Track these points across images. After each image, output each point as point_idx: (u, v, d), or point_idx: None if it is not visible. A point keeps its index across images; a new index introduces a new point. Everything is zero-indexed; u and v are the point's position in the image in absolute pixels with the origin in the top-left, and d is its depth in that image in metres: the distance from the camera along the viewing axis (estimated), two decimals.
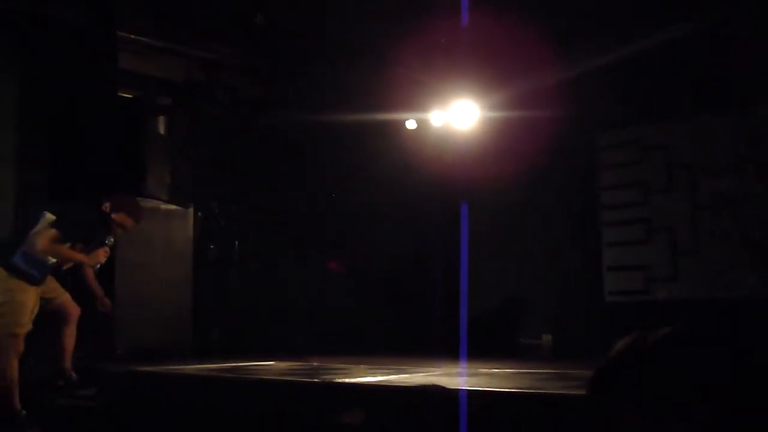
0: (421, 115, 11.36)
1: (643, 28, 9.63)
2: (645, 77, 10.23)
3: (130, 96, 10.73)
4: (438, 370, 8.09)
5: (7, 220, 8.72)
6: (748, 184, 10.08)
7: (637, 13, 9.57)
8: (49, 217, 6.92)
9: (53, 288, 7.23)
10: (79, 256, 7.04)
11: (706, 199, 10.41)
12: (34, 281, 6.92)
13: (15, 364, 6.82)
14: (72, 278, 7.52)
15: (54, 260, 6.98)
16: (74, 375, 7.31)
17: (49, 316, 7.19)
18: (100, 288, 7.54)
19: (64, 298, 7.30)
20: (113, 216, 7.16)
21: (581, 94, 10.41)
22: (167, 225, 10.18)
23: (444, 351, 9.70)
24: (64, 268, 7.24)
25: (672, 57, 9.92)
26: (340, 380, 6.70)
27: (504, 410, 5.57)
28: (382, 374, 7.46)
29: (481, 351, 10.19)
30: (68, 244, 6.95)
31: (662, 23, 9.47)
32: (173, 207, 10.37)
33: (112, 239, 7.22)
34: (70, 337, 7.28)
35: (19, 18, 9.43)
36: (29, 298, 6.91)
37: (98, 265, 7.20)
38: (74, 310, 7.31)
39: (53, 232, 6.81)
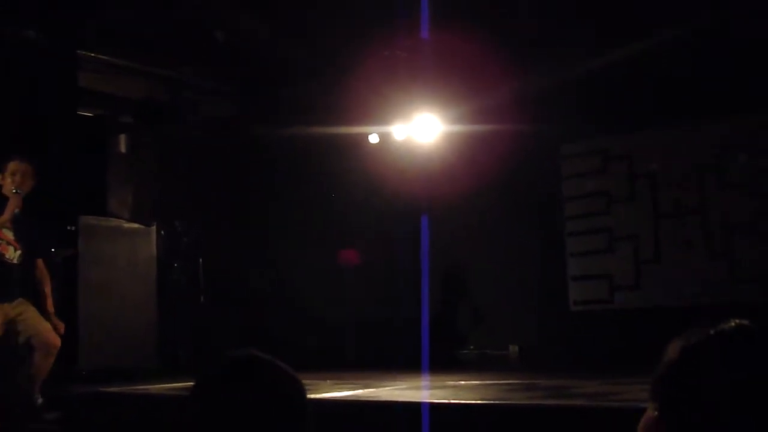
0: (384, 129, 11.37)
1: (604, 42, 9.71)
2: (606, 89, 10.30)
3: (90, 115, 10.67)
4: (404, 384, 8.09)
5: None
6: (710, 193, 10.19)
7: (599, 27, 9.64)
8: None
9: (31, 316, 7.10)
10: None
11: (668, 208, 10.50)
12: None
13: None
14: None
15: None
16: (40, 399, 7.20)
17: (24, 344, 7.07)
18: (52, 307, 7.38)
19: (42, 327, 7.11)
20: (4, 177, 7.07)
21: (543, 106, 10.47)
22: (130, 244, 10.12)
23: (410, 364, 9.69)
24: (7, 256, 7.04)
25: (633, 69, 10.00)
26: None
27: (470, 422, 5.58)
28: (348, 389, 7.45)
29: (445, 363, 10.23)
30: None
31: (623, 37, 9.56)
32: (136, 226, 10.32)
33: (18, 191, 7.04)
34: (44, 368, 7.09)
35: None
36: None
37: (17, 210, 7.00)
38: (53, 341, 7.11)
39: None
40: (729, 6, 9.18)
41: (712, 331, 1.52)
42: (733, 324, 1.52)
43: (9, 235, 7.00)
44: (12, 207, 6.88)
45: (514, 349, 11.35)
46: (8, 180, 7.02)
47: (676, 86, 9.88)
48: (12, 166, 7.05)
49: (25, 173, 7.07)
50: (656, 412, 1.52)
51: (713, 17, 9.21)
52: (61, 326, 7.23)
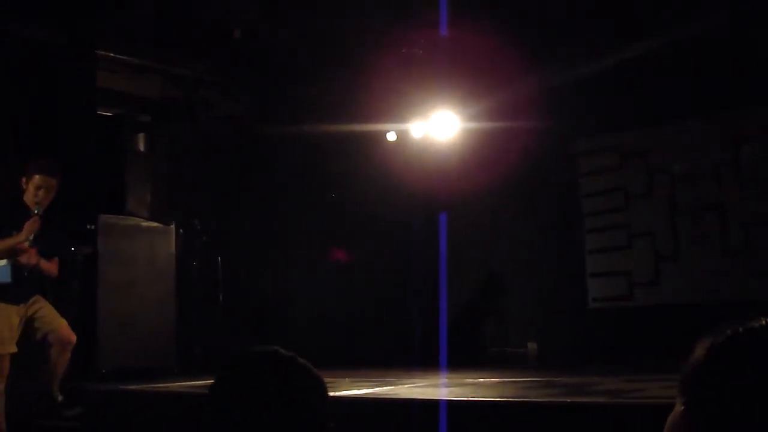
0: (401, 127, 11.37)
1: (620, 38, 9.68)
2: (623, 85, 10.27)
3: (109, 114, 10.71)
4: (423, 382, 8.08)
5: None
6: (727, 189, 10.14)
7: (614, 24, 9.62)
8: None
9: (47, 313, 7.14)
10: (12, 239, 6.89)
11: (685, 204, 10.46)
12: (7, 295, 6.85)
13: (0, 386, 6.77)
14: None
15: (3, 262, 6.87)
16: (60, 396, 7.24)
17: (41, 341, 7.10)
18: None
19: (58, 323, 7.14)
20: (27, 184, 7.06)
21: (560, 102, 10.46)
22: (149, 243, 10.13)
23: (428, 362, 9.69)
24: (23, 263, 7.05)
25: (649, 64, 9.97)
26: None
27: (489, 420, 5.57)
28: (367, 387, 7.45)
29: (464, 361, 10.21)
30: None
31: (639, 34, 9.53)
32: (155, 224, 10.32)
33: (38, 210, 7.03)
34: (61, 364, 7.13)
35: None
36: (5, 317, 6.85)
37: (32, 236, 6.97)
38: (70, 337, 7.14)
39: None
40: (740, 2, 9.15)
41: (740, 329, 1.52)
42: (763, 322, 1.51)
43: (26, 243, 7.01)
44: (29, 230, 6.87)
45: (532, 346, 11.33)
46: (31, 192, 6.98)
47: (693, 80, 9.85)
48: (38, 179, 6.99)
49: (50, 189, 7.05)
50: (683, 407, 1.52)
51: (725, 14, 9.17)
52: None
